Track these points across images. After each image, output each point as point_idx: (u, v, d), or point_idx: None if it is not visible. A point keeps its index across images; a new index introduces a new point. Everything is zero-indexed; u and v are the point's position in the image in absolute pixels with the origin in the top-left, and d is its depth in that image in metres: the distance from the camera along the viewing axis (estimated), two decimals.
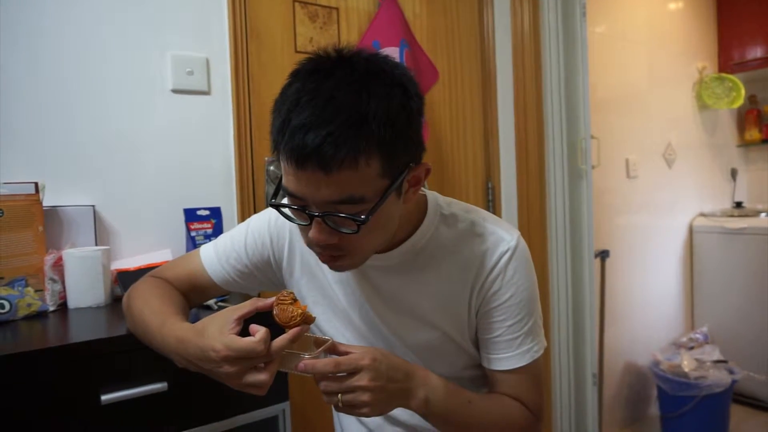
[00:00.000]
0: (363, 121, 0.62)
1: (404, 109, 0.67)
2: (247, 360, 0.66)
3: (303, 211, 0.68)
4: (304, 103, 0.62)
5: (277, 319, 0.69)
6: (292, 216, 0.73)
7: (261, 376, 0.67)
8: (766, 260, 2.65)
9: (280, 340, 0.67)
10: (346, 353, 0.71)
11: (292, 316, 0.68)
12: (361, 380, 0.68)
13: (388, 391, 0.71)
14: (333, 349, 0.72)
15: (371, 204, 0.67)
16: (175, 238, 1.42)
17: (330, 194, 0.65)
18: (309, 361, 0.68)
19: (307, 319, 0.70)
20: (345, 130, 0.61)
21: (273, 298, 0.71)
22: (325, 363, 0.68)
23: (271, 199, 0.72)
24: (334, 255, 0.73)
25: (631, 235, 2.57)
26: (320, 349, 0.70)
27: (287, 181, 0.68)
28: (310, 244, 0.73)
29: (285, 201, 0.72)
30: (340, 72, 0.64)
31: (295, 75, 0.67)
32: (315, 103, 0.62)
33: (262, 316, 0.71)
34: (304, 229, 0.72)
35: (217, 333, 0.68)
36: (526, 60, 2.06)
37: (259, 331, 0.67)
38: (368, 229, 0.68)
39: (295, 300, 0.70)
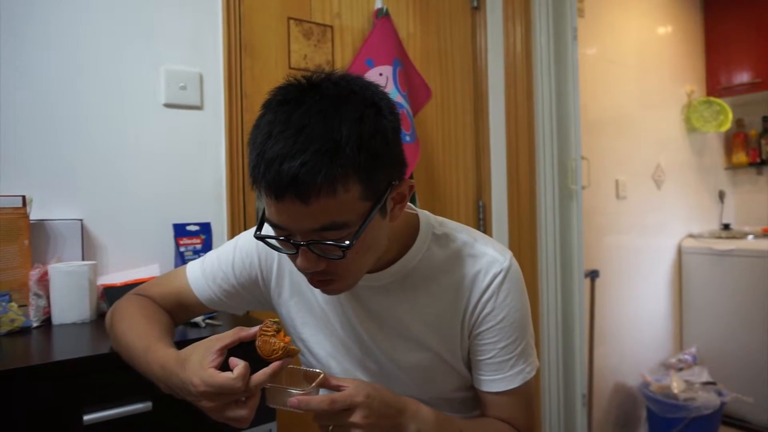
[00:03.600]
0: (336, 148, 0.61)
1: (379, 130, 0.65)
2: (225, 396, 0.65)
3: (288, 240, 0.68)
4: (277, 135, 0.62)
5: (259, 351, 0.68)
6: (279, 246, 0.72)
7: (241, 412, 0.66)
8: (754, 282, 2.67)
9: (260, 375, 0.66)
10: (338, 386, 0.70)
11: (274, 350, 0.67)
12: (355, 417, 0.67)
13: (381, 427, 0.70)
14: (324, 383, 0.71)
15: (355, 228, 0.66)
16: (164, 254, 1.41)
17: (311, 223, 0.64)
18: (303, 397, 0.66)
19: (290, 353, 0.68)
20: (319, 159, 0.60)
21: (256, 328, 0.69)
22: (319, 400, 0.66)
23: (256, 231, 0.72)
24: (323, 280, 0.72)
25: (620, 256, 2.58)
26: (313, 384, 0.68)
27: (269, 213, 0.67)
28: (299, 269, 0.73)
29: (270, 231, 0.71)
30: (309, 99, 0.64)
31: (267, 106, 0.66)
32: (287, 134, 0.61)
33: (247, 346, 0.69)
34: (293, 257, 0.71)
35: (197, 366, 0.66)
36: (518, 80, 2.08)
37: (237, 366, 0.65)
38: (355, 253, 0.67)
39: (278, 331, 0.68)
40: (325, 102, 0.63)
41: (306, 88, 0.66)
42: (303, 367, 0.74)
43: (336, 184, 0.62)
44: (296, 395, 0.67)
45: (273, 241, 0.71)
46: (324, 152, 0.61)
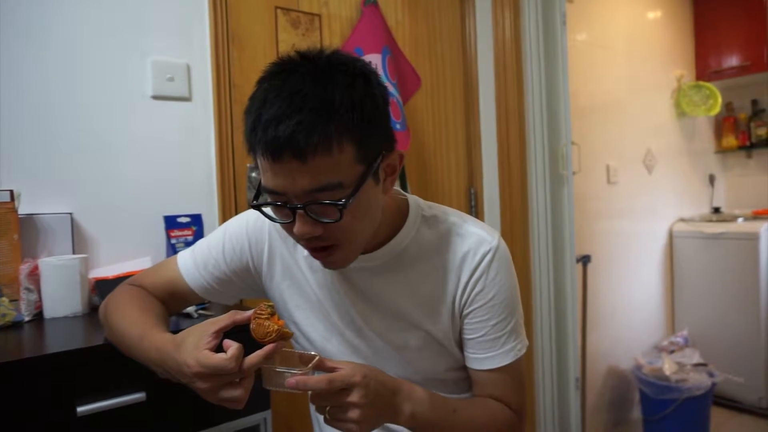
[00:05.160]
0: (330, 108, 0.65)
1: (368, 95, 0.69)
2: (219, 377, 0.65)
3: (284, 206, 0.69)
4: (272, 99, 0.65)
5: (253, 334, 0.68)
6: (275, 216, 0.73)
7: (236, 392, 0.67)
8: (744, 264, 2.70)
9: (253, 357, 0.67)
10: (333, 368, 0.71)
11: (268, 332, 0.67)
12: (353, 397, 0.68)
13: (377, 407, 0.71)
14: (320, 365, 0.71)
15: (349, 189, 0.68)
16: (155, 246, 1.40)
17: (308, 183, 0.66)
18: (301, 377, 0.67)
19: (284, 336, 0.68)
20: (314, 117, 0.64)
21: (251, 311, 0.70)
22: (317, 380, 0.67)
23: (252, 200, 0.73)
24: (324, 248, 0.73)
25: (612, 240, 2.60)
26: (309, 365, 0.69)
27: (266, 179, 0.68)
28: (298, 240, 0.73)
29: (266, 204, 0.72)
30: (303, 68, 0.68)
31: (262, 80, 0.70)
32: (282, 96, 0.65)
33: (243, 329, 0.70)
34: (289, 227, 0.72)
35: (192, 348, 0.67)
36: (507, 67, 2.08)
37: (230, 348, 0.66)
38: (351, 216, 0.69)
39: (272, 314, 0.69)
40: (317, 70, 0.68)
41: (299, 60, 0.70)
42: (298, 351, 0.75)
43: (331, 142, 0.65)
44: (294, 375, 0.67)
45: (269, 211, 0.72)
46: (319, 111, 0.64)
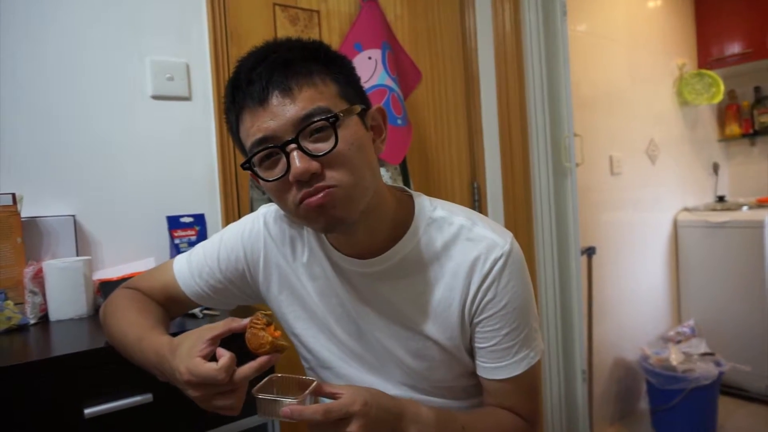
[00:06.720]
0: (304, 49, 0.71)
1: (338, 55, 0.74)
2: (210, 386, 0.64)
3: (276, 148, 0.67)
4: (245, 65, 0.70)
5: (247, 344, 0.66)
6: (269, 177, 0.69)
7: (228, 401, 0.65)
8: (749, 252, 2.69)
9: (245, 369, 0.65)
10: (332, 394, 0.67)
11: (262, 344, 0.65)
12: (352, 427, 0.65)
13: None
14: (318, 390, 0.68)
15: (339, 113, 0.69)
16: (159, 246, 1.40)
17: (296, 111, 0.67)
18: (296, 406, 0.63)
19: (278, 348, 0.66)
20: (290, 54, 0.69)
21: (247, 320, 0.68)
22: (314, 410, 0.63)
23: (243, 163, 0.72)
24: (323, 197, 0.67)
25: (616, 232, 2.59)
26: (306, 393, 0.66)
27: (253, 132, 0.69)
28: (293, 206, 0.70)
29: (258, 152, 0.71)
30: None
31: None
32: (255, 57, 0.70)
33: (240, 338, 0.68)
34: (284, 186, 0.69)
35: (185, 354, 0.65)
36: (508, 59, 2.06)
37: (222, 357, 0.64)
38: (346, 146, 0.68)
39: (268, 324, 0.67)
40: (282, 41, 0.74)
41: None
42: (297, 376, 0.71)
43: (312, 75, 0.69)
44: (288, 404, 0.64)
45: (261, 173, 0.70)
46: (293, 51, 0.70)
